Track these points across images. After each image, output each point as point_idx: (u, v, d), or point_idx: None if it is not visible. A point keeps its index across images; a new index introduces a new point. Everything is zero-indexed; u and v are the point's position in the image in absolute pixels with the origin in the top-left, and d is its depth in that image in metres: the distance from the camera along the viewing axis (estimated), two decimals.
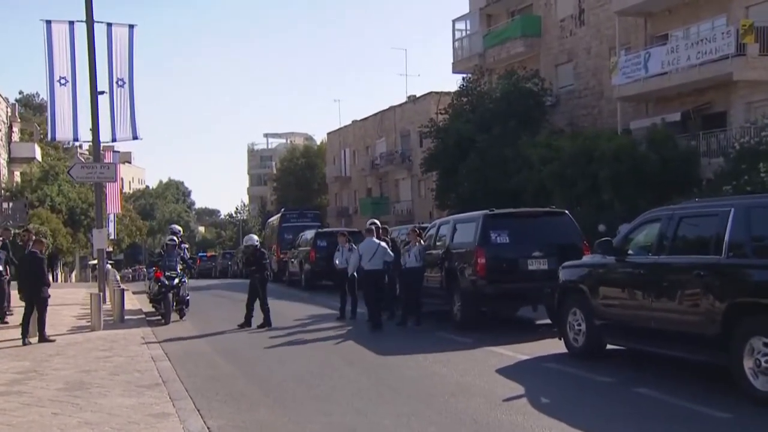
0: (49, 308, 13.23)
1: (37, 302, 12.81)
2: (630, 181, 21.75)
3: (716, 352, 7.55)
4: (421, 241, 14.13)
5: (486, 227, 12.62)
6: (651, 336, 8.53)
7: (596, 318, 9.36)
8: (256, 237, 16.05)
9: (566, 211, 13.77)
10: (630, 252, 9.09)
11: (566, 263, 10.47)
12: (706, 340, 7.63)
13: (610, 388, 8.17)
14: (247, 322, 14.51)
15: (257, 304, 14.64)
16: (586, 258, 10.58)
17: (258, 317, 14.52)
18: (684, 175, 21.80)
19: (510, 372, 9.19)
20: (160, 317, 15.78)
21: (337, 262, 15.46)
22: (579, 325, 9.69)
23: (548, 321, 12.78)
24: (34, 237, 14.34)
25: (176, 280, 15.64)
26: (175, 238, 16.70)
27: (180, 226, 22.98)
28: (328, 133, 60.57)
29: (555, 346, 10.37)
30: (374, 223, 14.95)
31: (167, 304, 15.33)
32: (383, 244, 14.16)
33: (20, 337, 12.64)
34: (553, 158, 23.91)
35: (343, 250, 15.48)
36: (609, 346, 9.64)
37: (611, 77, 26.11)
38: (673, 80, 23.47)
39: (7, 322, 15.37)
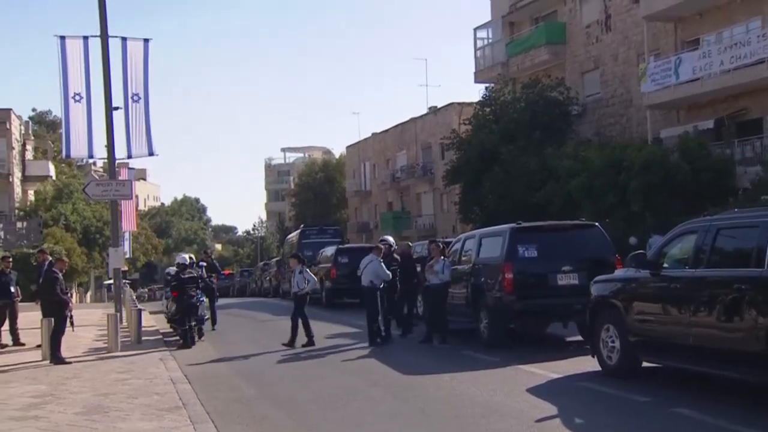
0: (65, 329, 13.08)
1: (55, 320, 12.73)
2: (661, 192, 21.24)
3: (760, 370, 7.22)
4: (443, 258, 13.87)
5: (513, 241, 12.30)
6: (689, 353, 8.19)
7: (631, 334, 9.03)
8: (187, 256, 16.40)
9: (597, 224, 13.38)
10: (665, 265, 8.77)
11: (598, 278, 10.15)
12: (749, 357, 7.30)
13: (648, 408, 7.83)
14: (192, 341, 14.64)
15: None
16: (619, 272, 10.22)
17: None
18: (718, 185, 21.22)
19: (541, 391, 8.89)
20: (178, 337, 15.62)
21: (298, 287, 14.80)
22: (613, 342, 9.36)
23: (580, 338, 12.53)
24: (50, 257, 14.27)
25: (194, 300, 15.49)
26: (189, 257, 16.68)
27: (196, 243, 22.97)
28: (347, 147, 60.41)
29: (588, 364, 10.04)
30: (384, 241, 15.84)
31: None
32: (374, 261, 14.23)
33: (38, 359, 12.60)
34: (581, 169, 23.49)
35: (295, 273, 15.01)
36: (645, 364, 9.29)
37: (640, 84, 25.64)
38: (706, 86, 22.96)
39: (23, 344, 15.33)
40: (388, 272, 14.39)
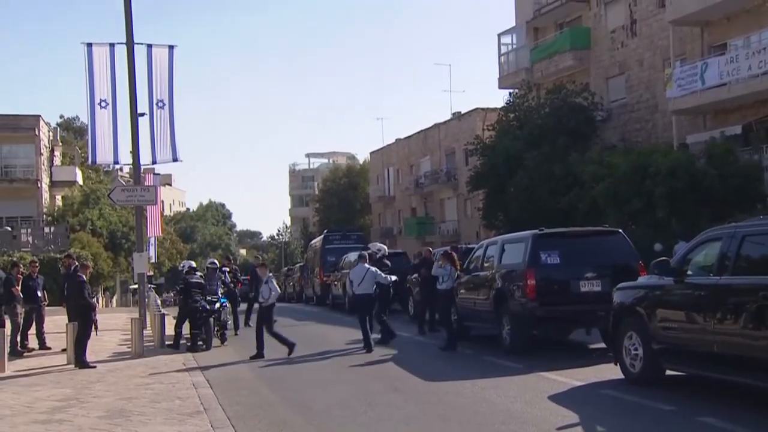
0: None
1: (79, 324, 12.88)
2: (687, 199, 20.95)
3: None
4: (448, 265, 14.12)
5: (536, 247, 12.23)
6: (714, 361, 8.07)
7: (654, 342, 8.93)
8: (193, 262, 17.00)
9: (620, 231, 13.26)
10: (689, 273, 8.65)
11: (621, 285, 10.05)
12: None
13: (672, 417, 7.72)
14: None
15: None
16: (643, 279, 10.12)
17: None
18: (746, 191, 20.88)
19: (563, 399, 8.81)
20: (201, 342, 15.70)
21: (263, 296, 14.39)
22: (636, 349, 9.26)
23: (603, 345, 12.41)
24: (76, 263, 14.46)
25: (217, 305, 15.59)
26: (216, 261, 16.75)
27: (221, 248, 23.18)
28: (371, 152, 60.56)
29: (610, 371, 9.94)
30: (379, 249, 17.26)
31: (208, 329, 15.26)
32: (372, 269, 14.53)
33: (64, 363, 12.76)
34: (606, 175, 23.26)
35: (262, 282, 14.61)
36: (668, 372, 9.17)
37: (666, 90, 25.37)
38: (733, 91, 22.64)
39: (49, 348, 15.54)
40: (385, 276, 14.83)
